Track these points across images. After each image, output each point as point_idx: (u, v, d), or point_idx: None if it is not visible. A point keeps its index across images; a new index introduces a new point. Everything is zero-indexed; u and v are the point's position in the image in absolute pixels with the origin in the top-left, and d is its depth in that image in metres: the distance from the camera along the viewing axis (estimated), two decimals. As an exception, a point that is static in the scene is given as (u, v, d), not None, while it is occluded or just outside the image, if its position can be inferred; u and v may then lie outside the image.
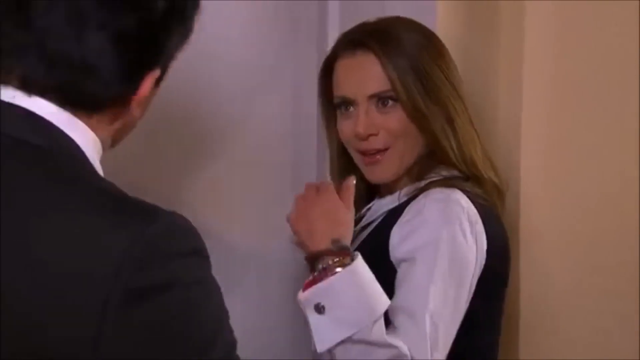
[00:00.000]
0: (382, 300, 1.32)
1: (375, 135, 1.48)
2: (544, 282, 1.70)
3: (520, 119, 1.66)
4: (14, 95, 0.95)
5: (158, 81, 1.02)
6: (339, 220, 1.38)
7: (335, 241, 1.35)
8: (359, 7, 1.78)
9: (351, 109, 1.51)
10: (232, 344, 0.95)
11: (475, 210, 1.43)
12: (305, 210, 1.40)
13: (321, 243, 1.35)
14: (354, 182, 1.43)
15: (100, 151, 1.01)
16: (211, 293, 0.93)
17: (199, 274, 0.92)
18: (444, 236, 1.38)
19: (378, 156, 1.49)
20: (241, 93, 1.81)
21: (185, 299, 0.89)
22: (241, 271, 1.80)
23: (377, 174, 1.51)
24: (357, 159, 1.53)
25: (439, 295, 1.36)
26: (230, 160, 1.80)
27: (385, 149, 1.49)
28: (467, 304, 1.40)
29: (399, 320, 1.35)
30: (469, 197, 1.44)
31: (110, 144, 1.04)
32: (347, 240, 1.37)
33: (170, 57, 1.01)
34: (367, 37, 1.49)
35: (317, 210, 1.39)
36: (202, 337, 0.91)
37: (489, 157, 1.52)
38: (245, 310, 1.75)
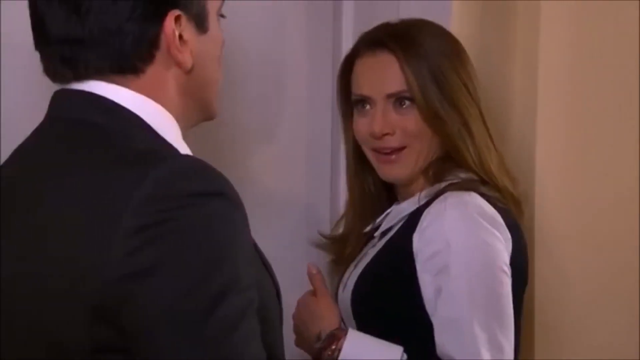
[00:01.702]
0: (392, 353, 1.39)
1: (391, 134, 1.49)
2: (559, 284, 1.69)
3: (535, 120, 1.65)
4: (89, 84, 1.04)
5: (200, 26, 1.08)
6: (321, 315, 1.49)
7: (318, 338, 1.45)
8: (374, 6, 1.78)
9: (368, 107, 1.52)
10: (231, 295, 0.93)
11: (497, 213, 1.43)
12: (299, 315, 1.52)
13: (313, 343, 1.47)
14: (314, 271, 1.53)
15: (171, 121, 1.07)
16: (217, 232, 0.93)
17: (209, 212, 0.93)
18: (471, 240, 1.39)
19: (393, 156, 1.50)
20: (255, 93, 1.81)
21: (187, 243, 0.91)
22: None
23: (391, 173, 1.52)
24: (372, 157, 1.53)
25: (482, 301, 1.38)
26: (243, 159, 1.80)
27: (401, 149, 1.49)
28: (511, 300, 1.41)
29: (446, 336, 1.37)
30: (488, 200, 1.44)
31: (186, 107, 1.10)
32: (330, 327, 1.46)
33: None
34: (388, 38, 1.50)
35: (305, 314, 1.51)
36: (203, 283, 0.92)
37: (505, 165, 1.52)
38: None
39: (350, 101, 1.56)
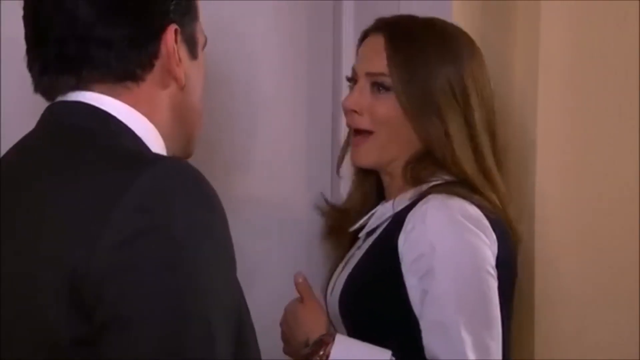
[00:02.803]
0: (380, 357, 1.39)
1: (359, 114, 1.50)
2: (559, 285, 1.68)
3: (535, 120, 1.65)
4: (81, 94, 1.07)
5: (191, 51, 1.11)
6: (308, 321, 1.48)
7: (306, 344, 1.45)
8: (374, 6, 1.78)
9: (354, 85, 1.53)
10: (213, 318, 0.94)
11: (481, 214, 1.42)
12: (287, 321, 1.52)
13: (301, 349, 1.47)
14: (300, 279, 1.52)
15: (159, 139, 1.09)
16: (200, 242, 0.94)
17: (193, 222, 0.95)
18: (455, 242, 1.39)
19: (360, 137, 1.51)
20: (255, 92, 1.82)
21: (172, 245, 0.93)
22: (254, 268, 1.80)
23: (358, 157, 1.53)
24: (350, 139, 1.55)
25: (468, 303, 1.37)
26: (244, 159, 1.81)
27: (367, 133, 1.50)
28: (497, 302, 1.40)
29: (432, 338, 1.37)
30: (471, 202, 1.42)
31: (174, 132, 1.12)
32: (318, 332, 1.46)
33: (185, 12, 1.10)
34: (386, 25, 1.52)
35: (292, 321, 1.51)
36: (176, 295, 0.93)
37: (492, 176, 1.48)
38: (256, 309, 1.76)
39: None
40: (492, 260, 1.41)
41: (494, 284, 1.40)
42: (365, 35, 1.56)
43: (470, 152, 1.46)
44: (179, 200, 0.94)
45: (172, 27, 1.08)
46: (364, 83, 1.50)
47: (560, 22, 1.65)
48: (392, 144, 1.49)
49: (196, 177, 0.98)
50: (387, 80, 1.47)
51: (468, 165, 1.45)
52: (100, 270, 0.91)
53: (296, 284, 1.52)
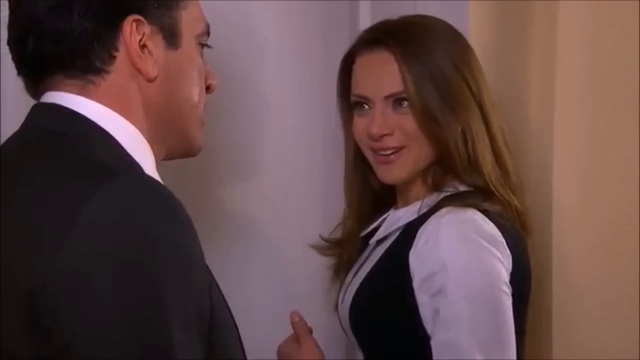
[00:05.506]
0: None
1: (390, 135, 1.45)
2: (578, 291, 1.66)
3: (553, 121, 1.63)
4: (55, 95, 1.07)
5: (169, 41, 1.09)
6: None
7: None
8: (391, 6, 1.77)
9: (366, 107, 1.48)
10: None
11: (497, 230, 1.39)
12: None
13: None
14: (297, 318, 1.50)
15: (139, 138, 1.08)
16: (160, 259, 0.93)
17: (154, 237, 0.93)
18: (468, 260, 1.36)
19: (392, 156, 1.46)
20: (272, 93, 1.82)
21: (130, 262, 0.91)
22: (267, 269, 1.80)
23: (390, 174, 1.48)
24: (371, 158, 1.50)
25: (481, 323, 1.34)
26: (260, 159, 1.81)
27: (400, 148, 1.46)
28: (512, 321, 1.37)
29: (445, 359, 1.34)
30: (488, 216, 1.39)
31: (157, 127, 1.10)
32: None
33: (157, 2, 1.08)
34: (387, 36, 1.46)
35: None
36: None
37: (507, 172, 1.47)
38: (264, 311, 1.76)
39: (349, 101, 1.52)
40: (507, 277, 1.38)
41: (508, 302, 1.37)
42: (354, 55, 1.50)
43: (489, 149, 1.45)
44: (139, 215, 0.93)
45: (130, 18, 1.06)
46: (382, 106, 1.45)
47: (578, 21, 1.63)
48: (421, 154, 1.45)
49: (158, 190, 0.96)
50: (406, 95, 1.44)
51: (486, 163, 1.43)
52: (57, 291, 0.90)
53: (292, 324, 1.50)
